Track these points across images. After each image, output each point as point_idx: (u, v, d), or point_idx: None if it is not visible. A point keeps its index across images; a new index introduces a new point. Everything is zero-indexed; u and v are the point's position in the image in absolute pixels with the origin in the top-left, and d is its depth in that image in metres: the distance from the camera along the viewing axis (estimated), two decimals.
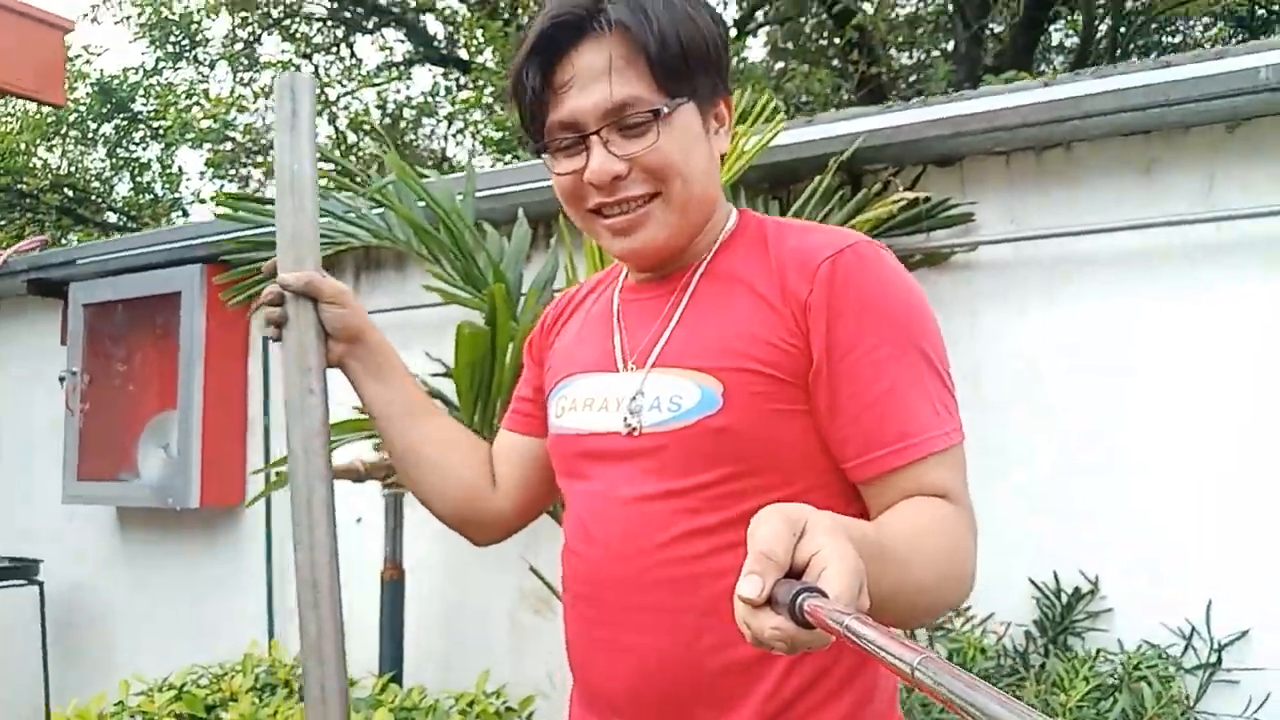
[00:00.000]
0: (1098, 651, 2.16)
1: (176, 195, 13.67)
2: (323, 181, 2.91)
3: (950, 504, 0.96)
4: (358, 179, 2.49)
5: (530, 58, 1.02)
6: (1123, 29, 10.21)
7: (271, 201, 2.44)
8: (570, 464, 1.12)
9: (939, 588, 0.90)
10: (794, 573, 0.65)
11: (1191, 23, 10.58)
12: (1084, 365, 2.33)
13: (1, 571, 3.63)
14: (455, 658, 3.09)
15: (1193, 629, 2.16)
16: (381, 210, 2.39)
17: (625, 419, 1.04)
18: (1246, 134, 2.14)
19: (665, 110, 1.00)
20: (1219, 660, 2.13)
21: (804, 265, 1.00)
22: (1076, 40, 10.37)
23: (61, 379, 3.76)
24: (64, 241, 11.10)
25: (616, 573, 1.02)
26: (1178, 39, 10.88)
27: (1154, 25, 10.33)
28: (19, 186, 12.16)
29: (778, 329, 1.00)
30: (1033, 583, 2.34)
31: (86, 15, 11.49)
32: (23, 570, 3.69)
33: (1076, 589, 2.30)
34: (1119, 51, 10.74)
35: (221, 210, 2.54)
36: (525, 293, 2.33)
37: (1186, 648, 2.16)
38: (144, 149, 13.20)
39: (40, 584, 3.71)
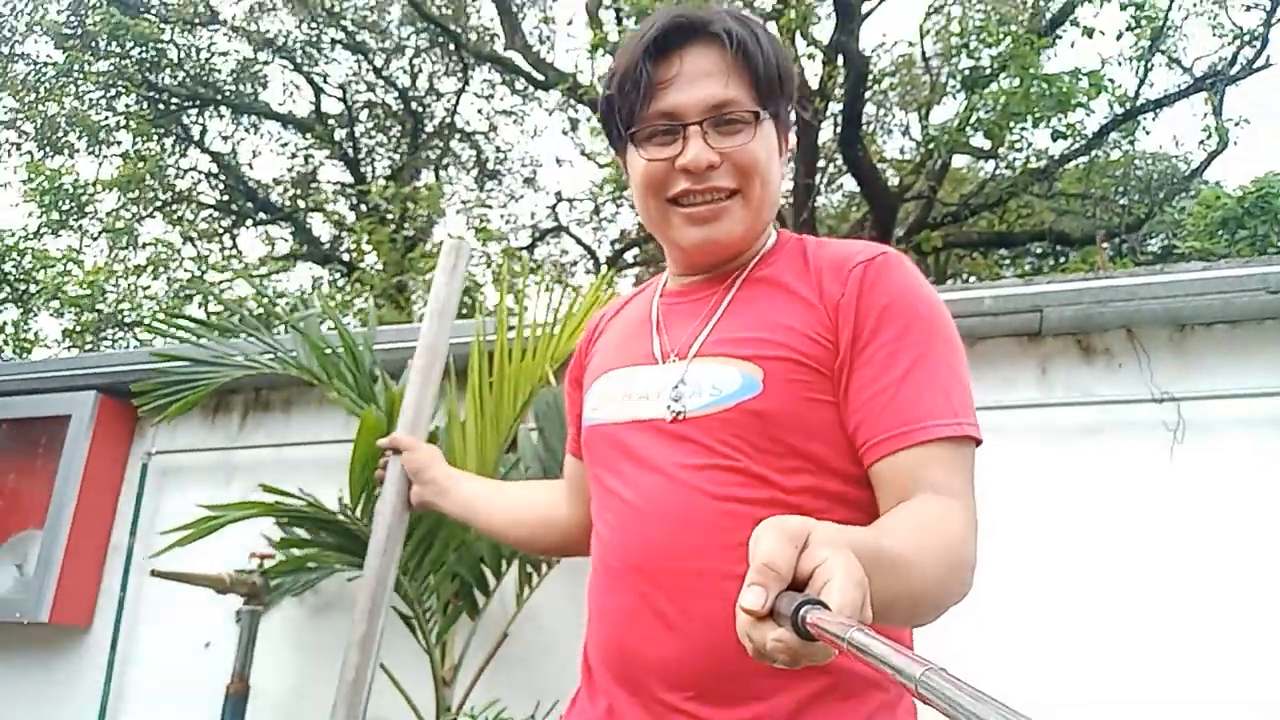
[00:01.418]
0: None
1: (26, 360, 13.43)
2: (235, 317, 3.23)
3: (953, 500, 0.97)
4: (281, 313, 2.90)
5: (648, 49, 1.10)
6: None
7: (200, 321, 2.82)
8: (607, 452, 1.15)
9: (940, 589, 0.90)
10: (797, 585, 0.66)
11: None
12: None
13: None
14: None
15: None
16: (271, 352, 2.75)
17: (669, 405, 1.08)
18: (981, 349, 2.81)
19: (762, 115, 1.10)
20: None
21: (839, 268, 1.08)
22: None
23: None
24: None
25: (674, 544, 1.04)
26: None
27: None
28: None
29: (812, 323, 1.06)
30: None
31: None
32: None
33: None
34: None
35: (158, 326, 2.88)
36: None
37: None
38: (1, 311, 13.06)
39: None
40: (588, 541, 1.40)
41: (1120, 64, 10.08)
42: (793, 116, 1.17)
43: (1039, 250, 12.03)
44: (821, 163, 9.87)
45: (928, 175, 8.97)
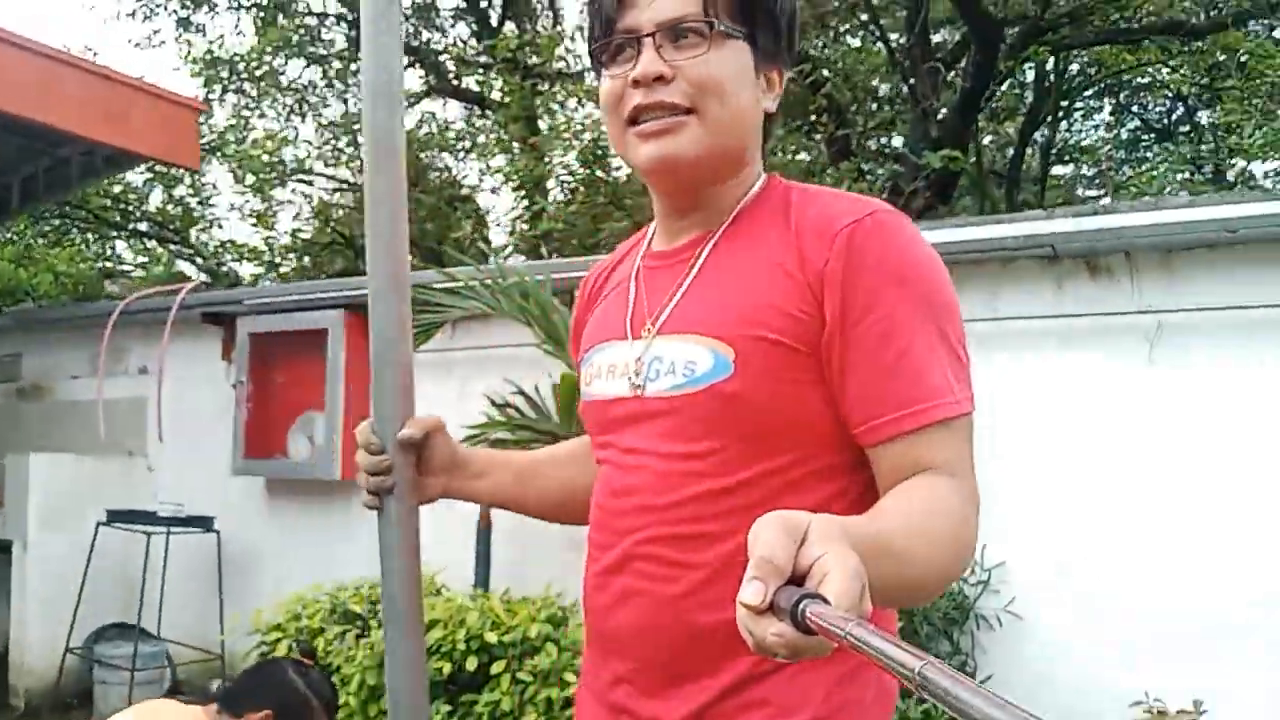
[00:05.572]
0: None
1: (211, 207, 14.65)
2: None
3: (952, 479, 0.95)
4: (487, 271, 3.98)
5: None
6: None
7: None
8: (599, 428, 1.16)
9: (943, 571, 0.91)
10: (796, 579, 0.66)
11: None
12: None
13: (190, 521, 5.02)
14: (530, 574, 4.31)
15: (975, 561, 3.66)
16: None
17: (630, 380, 1.07)
18: (1016, 268, 3.65)
19: (719, 27, 1.03)
20: (988, 579, 3.62)
21: (823, 232, 1.00)
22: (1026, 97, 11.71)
23: (234, 385, 5.20)
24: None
25: (630, 525, 1.06)
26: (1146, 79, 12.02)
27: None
28: None
29: (793, 297, 1.00)
30: None
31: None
32: (204, 522, 5.07)
33: None
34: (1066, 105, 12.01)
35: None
36: None
37: (971, 571, 3.66)
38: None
39: (217, 533, 5.12)
40: None
41: None
42: (785, 50, 1.13)
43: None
44: None
45: None
